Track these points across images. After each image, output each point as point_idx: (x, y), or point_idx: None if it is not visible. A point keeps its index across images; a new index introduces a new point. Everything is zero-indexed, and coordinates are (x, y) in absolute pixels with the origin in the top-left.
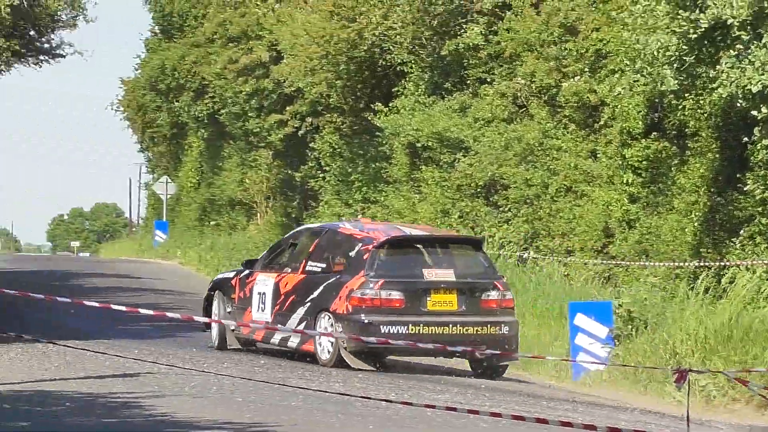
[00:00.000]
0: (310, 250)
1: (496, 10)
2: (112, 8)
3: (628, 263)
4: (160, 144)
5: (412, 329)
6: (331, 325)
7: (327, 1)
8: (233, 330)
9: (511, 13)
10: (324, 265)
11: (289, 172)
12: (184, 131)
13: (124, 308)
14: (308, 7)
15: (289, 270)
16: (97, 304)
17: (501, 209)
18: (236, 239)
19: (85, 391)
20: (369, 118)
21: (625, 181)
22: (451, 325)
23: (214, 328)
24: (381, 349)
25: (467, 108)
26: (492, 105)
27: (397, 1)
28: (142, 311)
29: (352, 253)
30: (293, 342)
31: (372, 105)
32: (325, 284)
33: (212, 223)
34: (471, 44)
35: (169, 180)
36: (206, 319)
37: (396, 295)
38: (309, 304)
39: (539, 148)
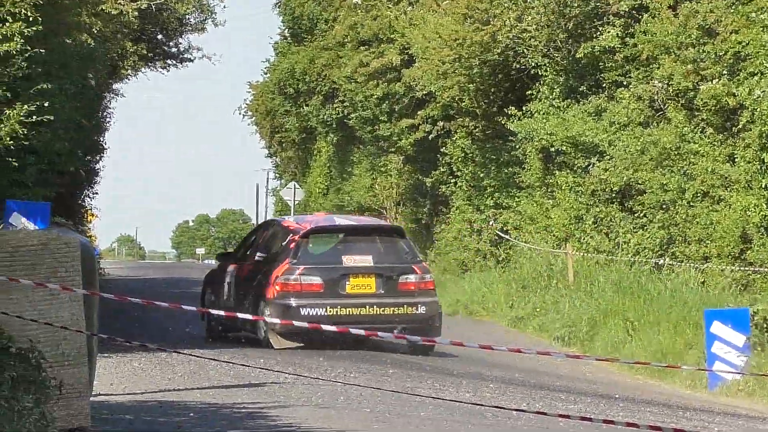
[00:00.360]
0: (259, 241)
1: (633, 12)
2: (241, 12)
3: (766, 270)
4: (288, 149)
5: (330, 311)
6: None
7: (460, 4)
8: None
9: (648, 15)
10: (266, 255)
11: (420, 177)
12: (312, 136)
13: (249, 317)
14: (441, 10)
15: (246, 261)
16: (222, 313)
17: (636, 215)
18: None
19: (209, 401)
20: (502, 122)
21: (763, 186)
22: (368, 306)
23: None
24: (306, 330)
25: (602, 112)
26: (628, 108)
27: (532, 4)
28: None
29: (283, 243)
30: (261, 331)
31: (505, 109)
32: (262, 272)
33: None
34: (607, 47)
35: (297, 185)
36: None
37: (316, 279)
38: (252, 291)
39: (676, 153)
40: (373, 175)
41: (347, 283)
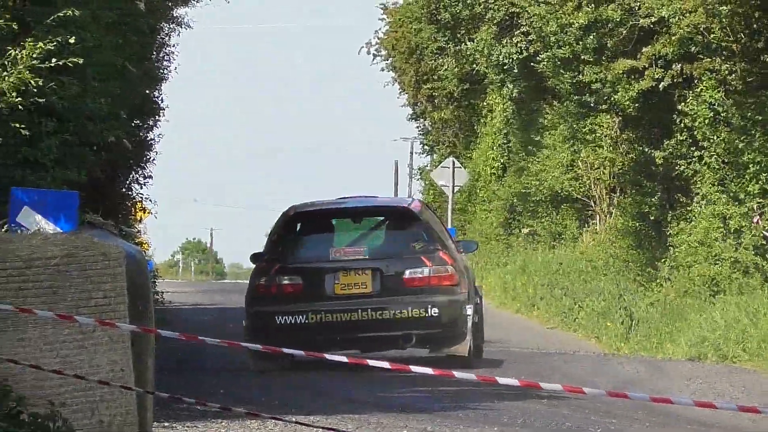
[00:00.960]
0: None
1: None
2: None
3: None
4: (444, 107)
5: (311, 318)
6: None
7: None
8: None
9: None
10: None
11: (646, 150)
12: (480, 87)
13: (387, 365)
14: None
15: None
16: (345, 359)
17: None
18: (562, 255)
19: None
20: None
21: None
22: (362, 311)
23: None
24: (286, 345)
25: None
26: None
27: None
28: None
29: (271, 234)
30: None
31: None
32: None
33: (525, 230)
34: None
35: (458, 163)
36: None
37: (295, 279)
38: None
39: None
40: (574, 147)
41: (336, 281)
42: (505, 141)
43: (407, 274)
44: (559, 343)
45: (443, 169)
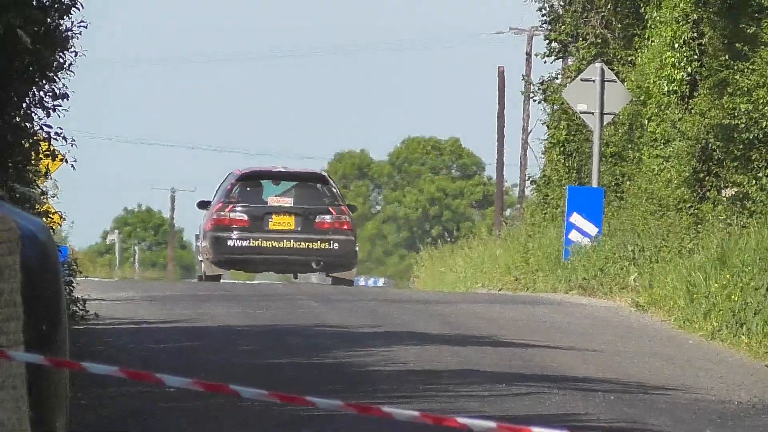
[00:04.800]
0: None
1: None
2: None
3: None
4: None
5: (253, 243)
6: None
7: None
8: None
9: None
10: (215, 198)
11: None
12: None
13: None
14: None
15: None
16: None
17: None
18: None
19: None
20: None
21: None
22: (285, 240)
23: None
24: (235, 259)
25: None
26: None
27: None
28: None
29: (224, 186)
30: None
31: None
32: (207, 212)
33: (727, 192)
34: None
35: (611, 74)
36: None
37: (243, 216)
38: (200, 230)
39: None
40: None
41: (270, 219)
42: (694, 35)
43: (318, 218)
44: None
45: (585, 84)
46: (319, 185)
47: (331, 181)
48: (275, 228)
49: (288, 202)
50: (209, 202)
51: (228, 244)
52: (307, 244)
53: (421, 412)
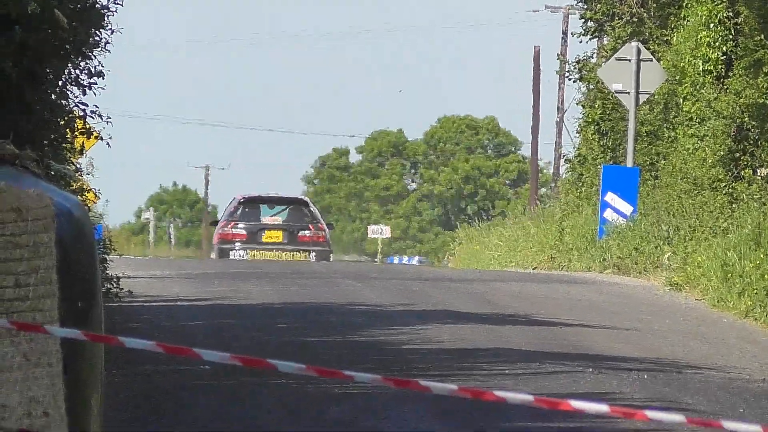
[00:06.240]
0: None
1: None
2: None
3: None
4: None
5: (250, 252)
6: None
7: None
8: None
9: None
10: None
11: None
12: None
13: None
14: None
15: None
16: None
17: None
18: None
19: None
20: None
21: None
22: (275, 251)
23: None
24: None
25: None
26: None
27: None
28: None
29: (229, 209)
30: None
31: None
32: (217, 227)
33: (764, 171)
34: None
35: (646, 53)
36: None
37: (242, 231)
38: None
39: None
40: None
41: (263, 234)
42: (730, 14)
43: (300, 233)
44: None
45: (620, 64)
46: (302, 208)
47: (312, 205)
48: (267, 240)
49: (278, 221)
50: (218, 221)
51: (230, 254)
52: (292, 253)
53: (459, 387)
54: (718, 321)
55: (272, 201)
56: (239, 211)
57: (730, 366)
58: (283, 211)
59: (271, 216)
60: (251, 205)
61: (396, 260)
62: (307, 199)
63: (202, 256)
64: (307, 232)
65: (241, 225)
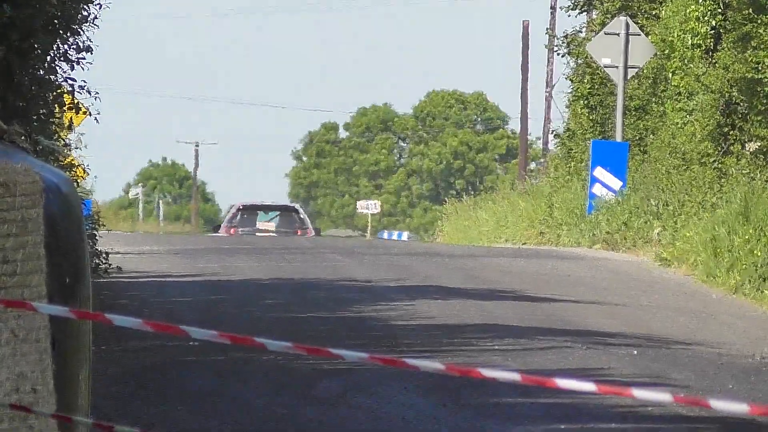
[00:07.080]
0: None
1: None
2: None
3: None
4: None
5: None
6: None
7: None
8: None
9: None
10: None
11: None
12: None
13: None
14: None
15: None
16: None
17: None
18: None
19: None
20: None
21: None
22: None
23: None
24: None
25: None
26: None
27: None
28: None
29: (229, 215)
30: None
31: None
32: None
33: (751, 146)
34: None
35: (635, 27)
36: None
37: (239, 234)
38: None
39: None
40: None
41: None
42: None
43: (291, 234)
44: None
45: (609, 38)
46: (293, 214)
47: (302, 212)
48: None
49: (272, 225)
50: (219, 226)
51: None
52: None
53: (447, 365)
54: (707, 296)
55: (267, 208)
56: (238, 217)
57: (719, 341)
58: (276, 216)
59: (266, 221)
60: (248, 211)
61: (386, 235)
62: (297, 206)
63: (191, 232)
64: (295, 236)
65: (238, 229)
